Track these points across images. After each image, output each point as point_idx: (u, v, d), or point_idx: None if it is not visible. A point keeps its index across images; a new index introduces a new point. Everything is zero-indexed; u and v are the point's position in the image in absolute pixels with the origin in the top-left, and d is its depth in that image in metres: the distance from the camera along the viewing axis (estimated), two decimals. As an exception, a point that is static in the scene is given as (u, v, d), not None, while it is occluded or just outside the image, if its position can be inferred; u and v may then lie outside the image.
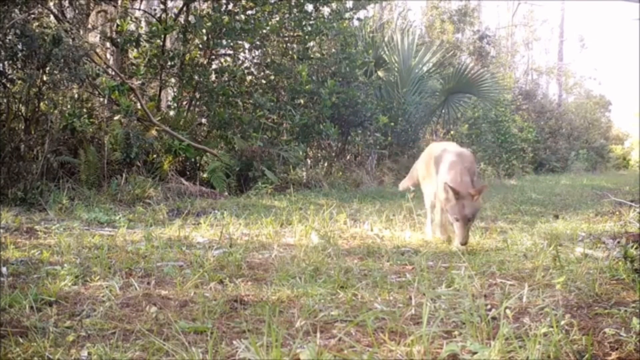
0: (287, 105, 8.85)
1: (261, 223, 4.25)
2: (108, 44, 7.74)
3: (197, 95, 8.18)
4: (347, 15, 9.89)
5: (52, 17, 6.75)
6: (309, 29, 8.98)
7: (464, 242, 3.39)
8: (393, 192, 8.02)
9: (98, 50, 7.35)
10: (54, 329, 1.88)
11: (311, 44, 9.56)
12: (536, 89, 24.39)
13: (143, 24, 8.13)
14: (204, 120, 8.60)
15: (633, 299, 2.23)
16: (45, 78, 5.91)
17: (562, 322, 1.82)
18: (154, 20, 7.95)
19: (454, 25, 18.40)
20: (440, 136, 14.08)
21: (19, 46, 5.59)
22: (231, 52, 8.83)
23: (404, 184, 4.72)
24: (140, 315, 2.10)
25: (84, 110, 6.82)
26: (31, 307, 2.08)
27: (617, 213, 5.15)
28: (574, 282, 2.45)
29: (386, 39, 12.28)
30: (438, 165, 3.78)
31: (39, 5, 6.31)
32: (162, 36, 7.65)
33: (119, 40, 7.39)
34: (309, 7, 8.96)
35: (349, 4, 10.31)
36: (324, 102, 8.94)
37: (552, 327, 1.72)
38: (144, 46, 7.73)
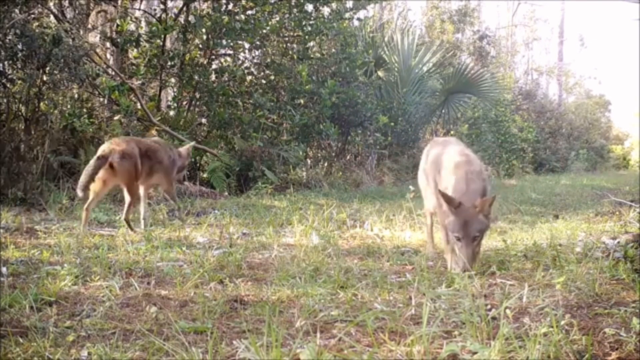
0: (287, 105, 8.85)
1: (261, 223, 4.25)
2: (108, 44, 7.74)
3: (197, 95, 8.18)
4: (347, 15, 9.89)
5: (52, 17, 6.75)
6: (309, 29, 8.98)
7: (466, 269, 2.64)
8: (393, 192, 8.02)
9: (98, 50, 7.36)
10: (54, 329, 1.88)
11: (311, 44, 9.56)
12: (536, 89, 24.37)
13: (143, 24, 8.12)
14: (204, 120, 8.60)
15: (633, 299, 2.23)
16: (45, 78, 5.91)
17: (562, 322, 1.82)
18: (154, 20, 7.95)
19: (454, 25, 18.40)
20: (440, 136, 14.09)
21: (19, 46, 5.59)
22: (231, 52, 8.83)
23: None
24: (140, 315, 2.10)
25: (84, 110, 6.82)
26: (31, 307, 2.08)
27: (617, 213, 5.14)
28: (574, 282, 2.45)
29: (386, 39, 12.28)
30: (439, 166, 3.14)
31: (39, 5, 6.31)
32: (162, 36, 7.65)
33: (119, 40, 7.38)
34: (309, 7, 8.96)
35: (349, 4, 10.31)
36: (324, 102, 8.94)
37: (552, 327, 1.71)
38: (144, 46, 7.72)
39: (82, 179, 3.89)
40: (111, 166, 3.91)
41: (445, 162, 3.08)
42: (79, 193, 3.94)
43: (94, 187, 3.92)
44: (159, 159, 4.36)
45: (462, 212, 2.70)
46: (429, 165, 3.36)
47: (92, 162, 3.93)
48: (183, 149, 4.81)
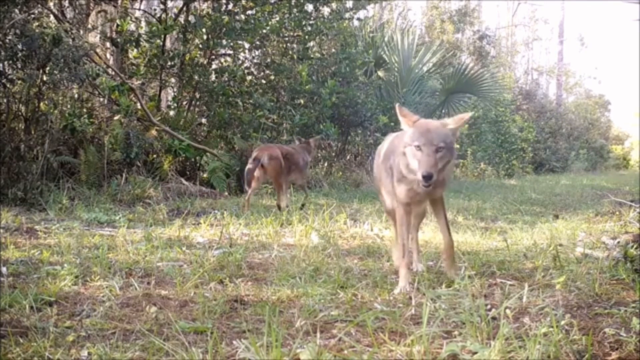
0: (287, 105, 8.85)
1: (261, 223, 4.25)
2: (108, 44, 7.74)
3: (197, 95, 8.18)
4: (347, 15, 9.89)
5: (52, 17, 6.75)
6: (309, 29, 8.98)
7: (428, 174, 2.30)
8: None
9: (98, 50, 7.35)
10: (54, 329, 1.88)
11: (311, 44, 9.57)
12: (536, 89, 24.39)
13: (143, 24, 8.13)
14: (204, 120, 8.60)
15: (633, 299, 2.23)
16: (45, 78, 5.91)
17: (562, 322, 1.82)
18: (154, 20, 7.95)
19: (454, 25, 18.39)
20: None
21: (19, 46, 5.59)
22: (231, 52, 8.83)
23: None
24: (140, 315, 2.10)
25: (84, 110, 6.82)
26: (31, 307, 2.07)
27: (617, 213, 5.14)
28: (574, 282, 2.45)
29: (386, 39, 12.27)
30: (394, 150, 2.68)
31: (39, 5, 6.31)
32: (162, 36, 7.65)
33: (119, 40, 7.38)
34: (309, 7, 8.96)
35: (349, 4, 10.31)
36: (324, 102, 8.93)
37: (552, 327, 1.71)
38: (144, 46, 7.72)
39: (247, 177, 5.40)
40: (262, 166, 5.28)
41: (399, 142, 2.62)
42: (247, 188, 5.37)
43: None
44: (296, 161, 5.70)
45: (423, 122, 2.46)
46: (382, 158, 2.88)
47: (249, 163, 5.37)
48: (312, 140, 6.31)
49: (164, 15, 7.76)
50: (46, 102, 6.18)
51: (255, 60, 9.42)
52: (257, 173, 5.30)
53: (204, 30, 7.91)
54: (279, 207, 5.36)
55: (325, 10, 9.41)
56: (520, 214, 5.69)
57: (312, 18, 8.94)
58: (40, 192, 5.27)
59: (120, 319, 2.05)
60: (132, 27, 7.78)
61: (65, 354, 1.70)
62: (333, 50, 10.00)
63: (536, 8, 28.38)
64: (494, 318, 1.93)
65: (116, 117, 6.90)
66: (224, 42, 8.09)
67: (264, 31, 8.50)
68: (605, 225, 4.52)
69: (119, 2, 7.82)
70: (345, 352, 1.72)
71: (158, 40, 7.70)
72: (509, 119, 15.82)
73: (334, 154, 10.74)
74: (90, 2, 7.46)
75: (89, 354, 1.70)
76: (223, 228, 4.00)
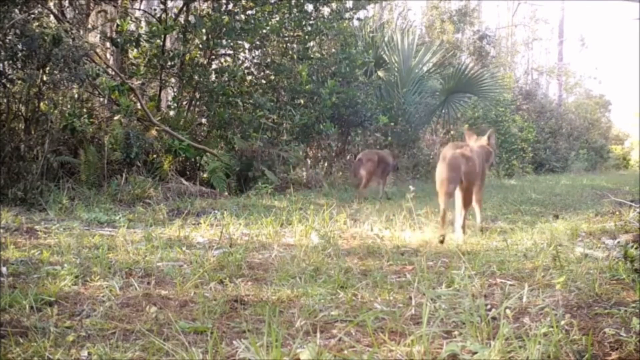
0: (287, 105, 8.85)
1: (261, 223, 4.25)
2: (108, 44, 7.74)
3: (197, 95, 8.18)
4: (347, 15, 9.89)
5: (52, 17, 6.75)
6: (309, 29, 8.98)
7: None
8: (393, 192, 8.02)
9: (98, 50, 7.35)
10: (54, 329, 1.88)
11: (311, 44, 9.57)
12: (536, 89, 24.34)
13: (143, 24, 8.13)
14: (204, 120, 8.60)
15: (633, 299, 2.23)
16: (45, 78, 5.91)
17: (562, 322, 1.82)
18: (154, 20, 7.95)
19: (454, 25, 18.35)
20: (440, 136, 14.09)
21: (19, 46, 5.58)
22: (231, 52, 8.83)
23: None
24: (140, 315, 2.10)
25: (84, 110, 6.82)
26: (31, 307, 2.08)
27: (617, 213, 5.14)
28: (574, 282, 2.45)
29: (386, 39, 12.27)
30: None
31: (39, 5, 6.31)
32: (162, 36, 7.65)
33: (119, 40, 7.38)
34: (309, 7, 8.96)
35: (349, 4, 10.31)
36: (324, 102, 8.93)
37: (552, 327, 1.72)
38: (144, 46, 7.72)
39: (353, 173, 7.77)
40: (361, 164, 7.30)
41: None
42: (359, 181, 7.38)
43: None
44: (387, 163, 7.53)
45: None
46: None
47: (354, 163, 7.57)
48: (395, 149, 9.06)
49: (164, 15, 7.76)
50: (46, 102, 6.18)
51: (255, 60, 9.42)
52: (361, 171, 7.21)
53: (204, 30, 7.90)
54: (387, 196, 7.37)
55: (325, 10, 9.41)
56: (520, 214, 5.69)
57: (312, 18, 8.94)
58: (40, 192, 5.27)
59: (120, 319, 2.05)
60: (132, 27, 7.78)
61: (65, 354, 1.70)
62: (333, 50, 10.00)
63: (536, 8, 28.34)
64: (494, 318, 1.93)
65: (116, 117, 6.89)
66: (224, 42, 8.09)
67: (264, 31, 8.50)
68: (605, 225, 4.52)
69: (119, 2, 7.82)
70: (345, 352, 1.72)
71: (158, 40, 7.70)
72: (509, 119, 15.81)
73: (334, 154, 10.75)
74: (90, 2, 7.45)
75: (89, 354, 1.70)
76: (223, 228, 4.00)
